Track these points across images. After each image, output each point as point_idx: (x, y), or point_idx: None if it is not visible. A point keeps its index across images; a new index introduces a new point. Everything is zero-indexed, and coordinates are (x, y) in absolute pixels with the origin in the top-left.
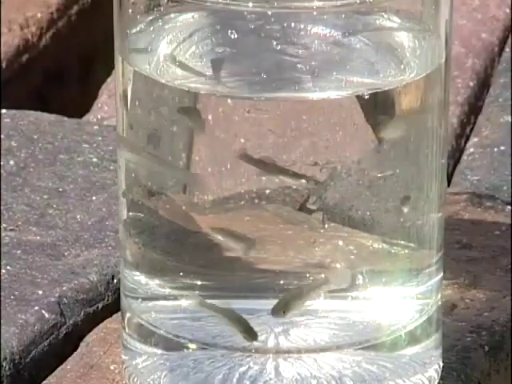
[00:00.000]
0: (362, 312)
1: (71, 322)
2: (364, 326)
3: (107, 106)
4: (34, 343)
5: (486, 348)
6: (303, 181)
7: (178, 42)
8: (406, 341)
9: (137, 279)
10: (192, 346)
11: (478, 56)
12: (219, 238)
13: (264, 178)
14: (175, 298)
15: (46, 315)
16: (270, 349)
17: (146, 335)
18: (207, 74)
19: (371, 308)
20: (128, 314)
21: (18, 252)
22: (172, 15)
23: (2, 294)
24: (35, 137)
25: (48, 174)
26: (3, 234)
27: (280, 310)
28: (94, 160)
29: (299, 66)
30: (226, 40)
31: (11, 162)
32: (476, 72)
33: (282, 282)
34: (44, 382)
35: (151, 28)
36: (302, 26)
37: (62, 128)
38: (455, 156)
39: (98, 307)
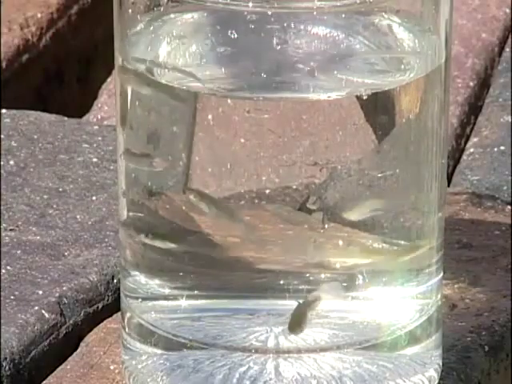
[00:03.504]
0: (361, 312)
1: (71, 321)
2: (364, 325)
3: (107, 106)
4: (34, 343)
5: (486, 348)
6: None
7: (178, 42)
8: (406, 341)
9: (137, 279)
10: (192, 345)
11: (478, 56)
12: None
13: (264, 178)
14: (175, 297)
15: (46, 315)
16: (270, 349)
17: (146, 335)
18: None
19: (371, 308)
20: (128, 314)
21: (18, 252)
22: (172, 15)
23: (2, 294)
24: (35, 137)
25: (48, 173)
26: (3, 234)
27: (297, 328)
28: (94, 160)
29: (299, 66)
30: (226, 40)
31: (11, 162)
32: (476, 72)
33: (281, 282)
34: (44, 382)
35: (151, 28)
36: (302, 26)
37: (62, 128)
38: (455, 156)
39: (98, 307)
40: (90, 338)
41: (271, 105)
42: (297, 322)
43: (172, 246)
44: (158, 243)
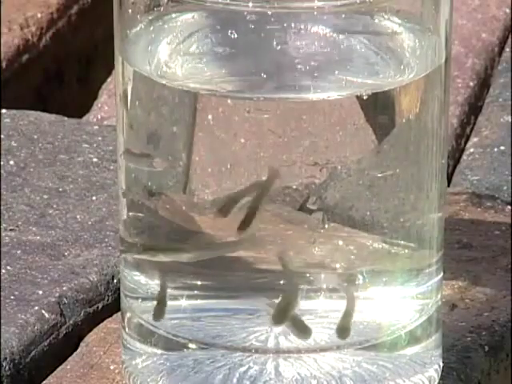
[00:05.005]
0: (361, 312)
1: (71, 322)
2: (364, 326)
3: (107, 106)
4: (34, 343)
5: (486, 348)
6: None
7: (178, 42)
8: (406, 341)
9: (137, 279)
10: (192, 345)
11: (478, 56)
12: None
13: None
14: (175, 298)
15: (46, 315)
16: (270, 349)
17: (146, 335)
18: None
19: (371, 308)
20: (128, 314)
21: (18, 252)
22: (172, 15)
23: (2, 294)
24: (35, 137)
25: (48, 173)
26: (3, 234)
27: (281, 320)
28: (94, 160)
29: (299, 66)
30: (226, 40)
31: (11, 162)
32: (476, 72)
33: (281, 282)
34: (44, 382)
35: (151, 28)
36: (302, 26)
37: (62, 128)
38: (455, 156)
39: (98, 307)
40: (90, 338)
41: (271, 105)
42: (282, 313)
43: (171, 257)
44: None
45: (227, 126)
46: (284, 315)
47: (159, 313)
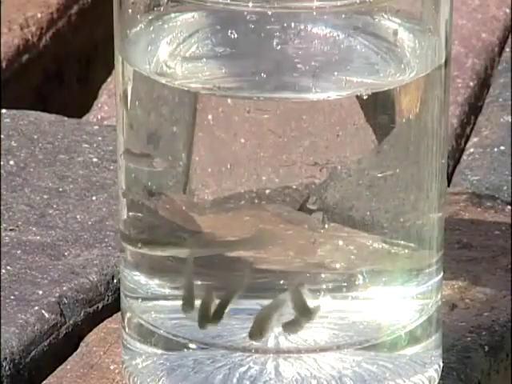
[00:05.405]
0: (361, 312)
1: (71, 322)
2: (364, 326)
3: (107, 106)
4: (34, 343)
5: (486, 348)
6: None
7: (178, 42)
8: (406, 341)
9: (137, 279)
10: (192, 345)
11: (478, 56)
12: None
13: (264, 178)
14: (175, 298)
15: (46, 315)
16: (270, 349)
17: (146, 335)
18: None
19: (371, 308)
20: (128, 314)
21: (18, 252)
22: (172, 15)
23: (2, 294)
24: (35, 137)
25: (48, 173)
26: (3, 234)
27: (257, 334)
28: (94, 160)
29: (299, 66)
30: (226, 40)
31: (11, 162)
32: (476, 72)
33: (281, 282)
34: (44, 382)
35: (151, 28)
36: (302, 26)
37: (62, 128)
38: (455, 156)
39: (98, 307)
40: (90, 337)
41: (271, 105)
42: (258, 329)
43: (170, 251)
44: (155, 250)
45: (227, 126)
46: (260, 331)
47: (189, 306)
